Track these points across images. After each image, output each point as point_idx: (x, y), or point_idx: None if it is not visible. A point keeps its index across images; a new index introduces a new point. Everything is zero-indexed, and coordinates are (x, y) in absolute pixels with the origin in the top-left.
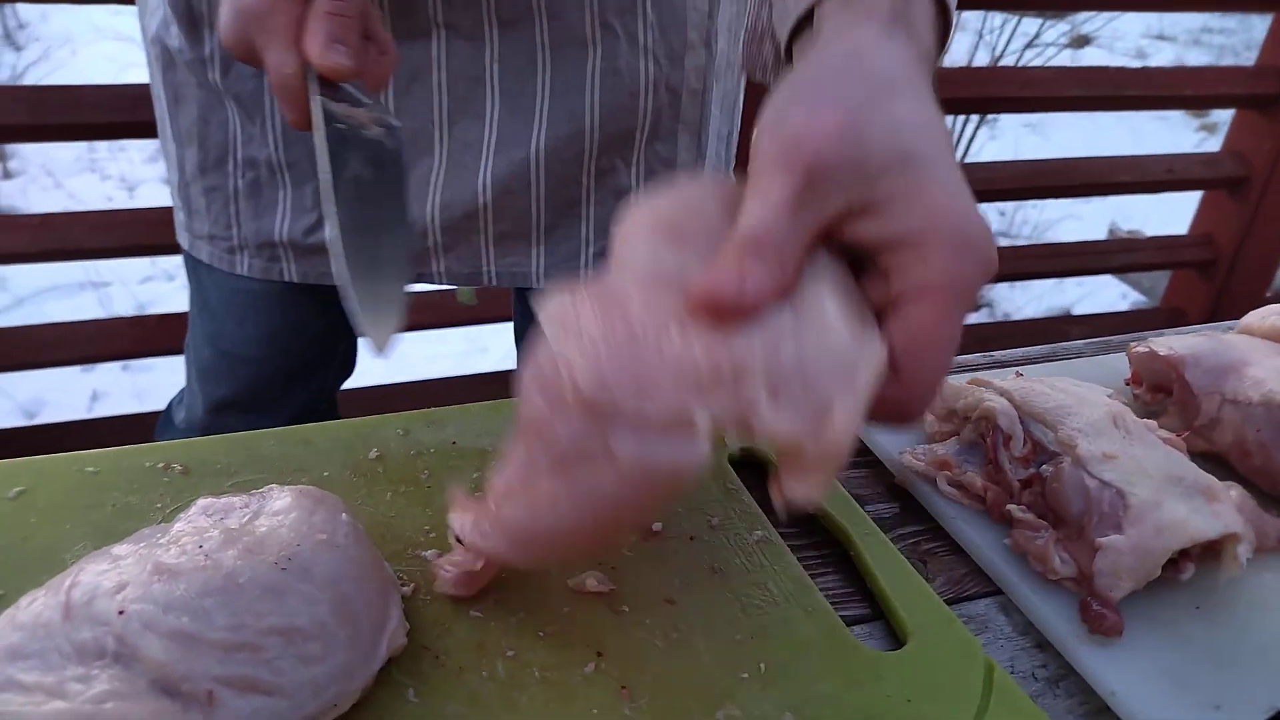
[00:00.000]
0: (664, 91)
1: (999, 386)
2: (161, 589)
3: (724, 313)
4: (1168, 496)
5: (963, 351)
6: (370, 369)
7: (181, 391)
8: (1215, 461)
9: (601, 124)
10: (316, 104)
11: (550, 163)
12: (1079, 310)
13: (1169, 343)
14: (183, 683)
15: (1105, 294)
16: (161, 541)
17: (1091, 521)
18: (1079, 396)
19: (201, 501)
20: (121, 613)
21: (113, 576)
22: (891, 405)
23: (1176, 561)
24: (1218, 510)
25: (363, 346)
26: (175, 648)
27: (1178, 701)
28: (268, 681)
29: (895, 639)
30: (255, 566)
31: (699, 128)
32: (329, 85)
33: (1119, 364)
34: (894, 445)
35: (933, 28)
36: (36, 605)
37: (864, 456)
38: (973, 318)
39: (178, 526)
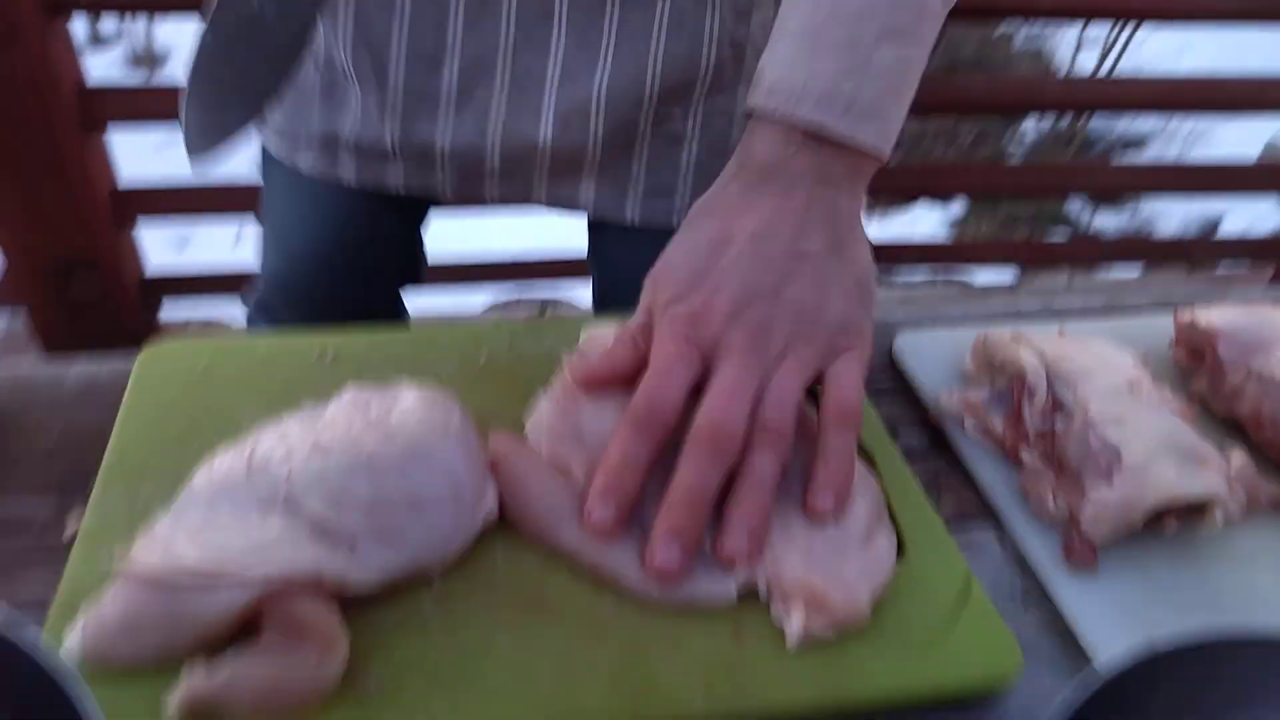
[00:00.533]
0: (728, 46)
1: (1036, 345)
2: (319, 462)
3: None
4: (1161, 459)
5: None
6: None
7: (254, 304)
8: (1236, 428)
9: (664, 72)
10: None
11: (611, 102)
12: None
13: (1211, 314)
14: (333, 532)
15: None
16: (318, 425)
17: (1087, 474)
18: (1104, 361)
19: (348, 395)
20: (288, 477)
21: (281, 448)
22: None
23: (1163, 518)
24: (1205, 476)
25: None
26: (328, 506)
27: (1133, 634)
28: (396, 538)
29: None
30: (389, 451)
31: None
32: None
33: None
34: (933, 384)
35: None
36: (226, 463)
37: (903, 387)
38: (1112, 227)
39: (330, 410)
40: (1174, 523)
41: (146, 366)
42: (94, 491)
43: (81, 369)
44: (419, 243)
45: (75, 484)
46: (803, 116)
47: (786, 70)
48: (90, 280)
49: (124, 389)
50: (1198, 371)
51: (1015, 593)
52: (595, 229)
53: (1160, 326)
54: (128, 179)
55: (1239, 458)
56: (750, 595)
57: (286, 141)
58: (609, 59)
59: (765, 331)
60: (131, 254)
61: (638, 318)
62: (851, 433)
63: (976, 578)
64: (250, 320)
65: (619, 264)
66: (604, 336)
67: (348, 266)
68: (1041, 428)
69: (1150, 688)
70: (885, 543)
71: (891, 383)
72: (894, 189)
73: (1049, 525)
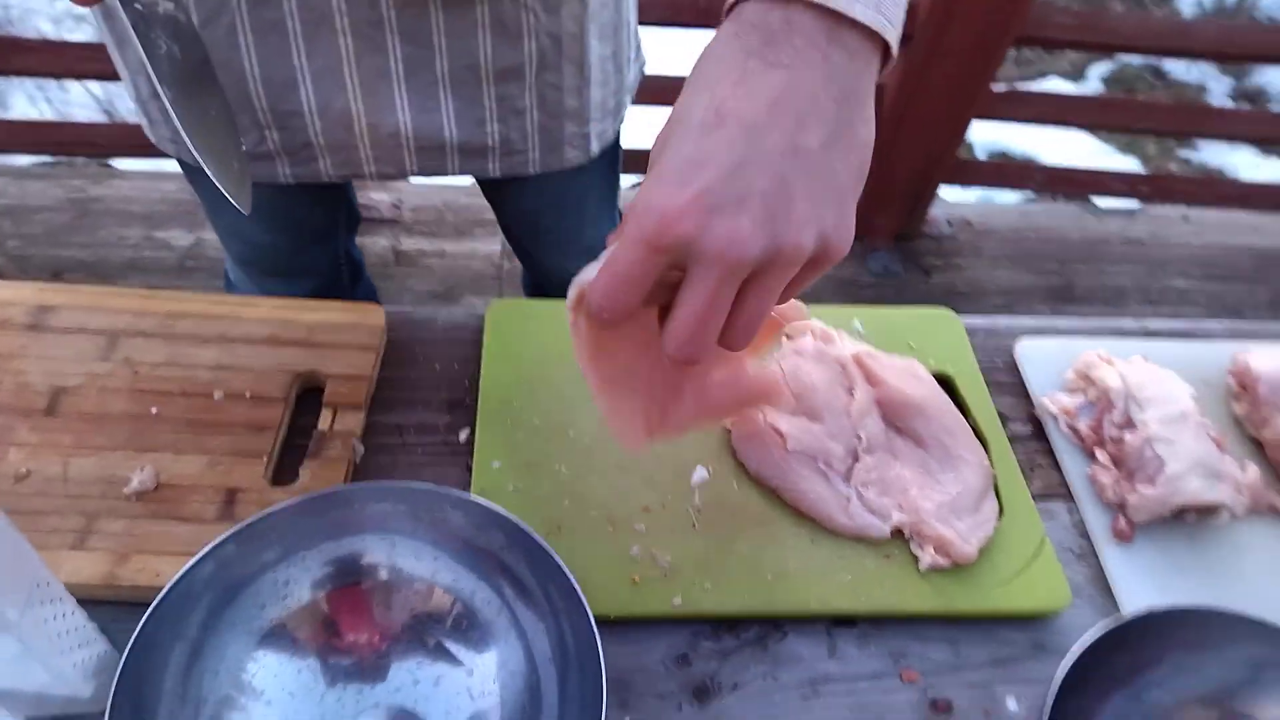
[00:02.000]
0: (545, 37)
1: (1121, 370)
2: None
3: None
4: (1192, 472)
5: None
6: None
7: (229, 264)
8: (1259, 447)
9: (494, 60)
10: None
11: (455, 85)
12: None
13: (1261, 358)
14: None
15: None
16: None
17: (1137, 474)
18: (1169, 392)
19: None
20: None
21: None
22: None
23: (1186, 513)
24: (1221, 488)
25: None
26: None
27: (1151, 592)
28: None
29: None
30: None
31: (581, 60)
32: None
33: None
34: (1041, 387)
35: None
36: None
37: (1019, 388)
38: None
39: None
40: (1194, 516)
41: (496, 316)
42: (479, 413)
43: (446, 313)
44: (352, 201)
45: (458, 400)
46: None
47: None
48: None
49: (478, 330)
50: (1241, 398)
51: (1074, 551)
52: (485, 187)
53: (1226, 353)
54: None
55: (1253, 471)
56: (898, 534)
57: (188, 156)
58: (443, 51)
59: (740, 248)
60: None
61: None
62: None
63: (1048, 538)
64: (234, 284)
65: (506, 207)
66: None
67: (300, 238)
68: (1114, 435)
69: (1153, 635)
70: (991, 506)
71: (1008, 379)
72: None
73: (1106, 506)
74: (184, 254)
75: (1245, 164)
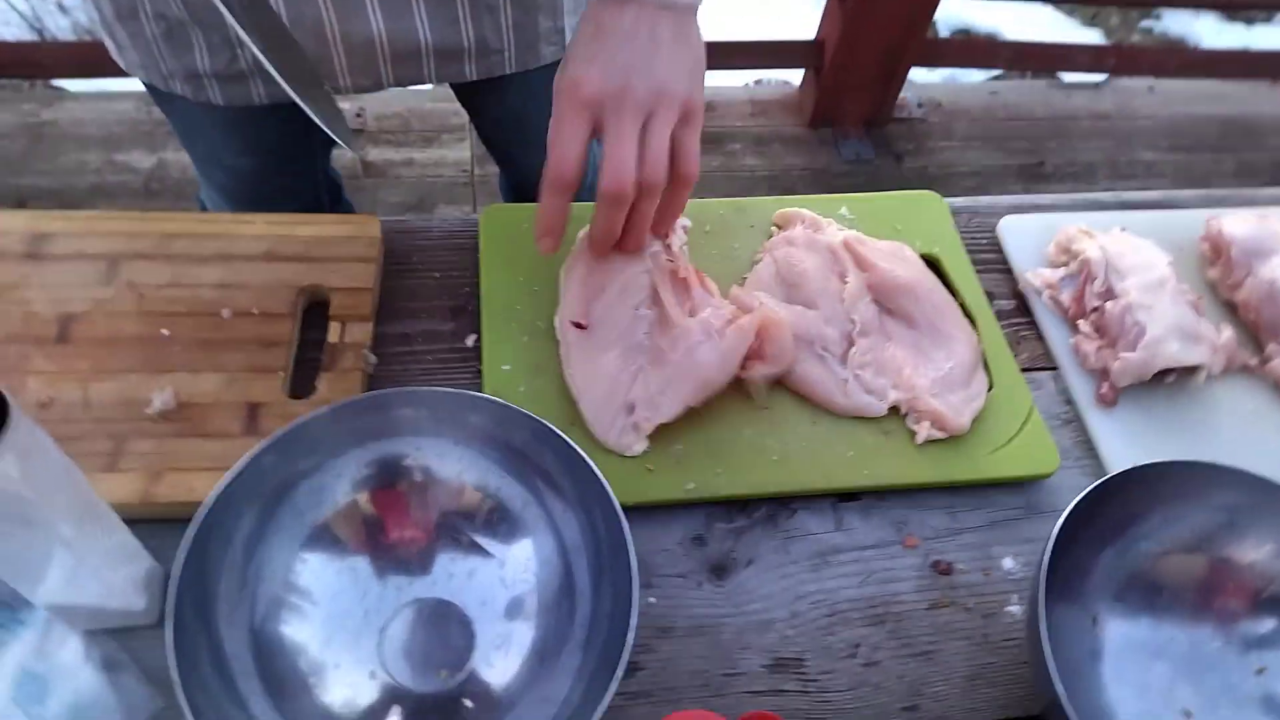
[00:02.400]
0: None
1: (1101, 240)
2: None
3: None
4: (1172, 335)
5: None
6: None
7: (204, 190)
8: (1233, 309)
9: None
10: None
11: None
12: None
13: (1234, 222)
14: None
15: None
16: None
17: (1119, 340)
18: (1148, 260)
19: None
20: None
21: None
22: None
23: (1166, 374)
24: (1198, 350)
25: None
26: None
27: (1136, 452)
28: None
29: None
30: None
31: None
32: None
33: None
34: (1024, 263)
35: None
36: None
37: (1002, 265)
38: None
39: None
40: (1173, 378)
41: (490, 222)
42: (483, 318)
43: (440, 221)
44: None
45: (460, 307)
46: None
47: None
48: None
49: (473, 237)
50: (1215, 263)
51: (1061, 418)
52: (461, 94)
53: (1199, 221)
54: None
55: (1227, 332)
56: (894, 411)
57: (159, 80)
58: None
59: (632, 92)
60: None
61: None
62: (687, 190)
63: (1036, 406)
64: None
65: (484, 112)
66: None
67: (278, 160)
68: (1095, 305)
69: (1137, 491)
70: (981, 380)
71: (992, 257)
72: None
73: (1089, 373)
74: (148, 176)
75: (1208, 31)
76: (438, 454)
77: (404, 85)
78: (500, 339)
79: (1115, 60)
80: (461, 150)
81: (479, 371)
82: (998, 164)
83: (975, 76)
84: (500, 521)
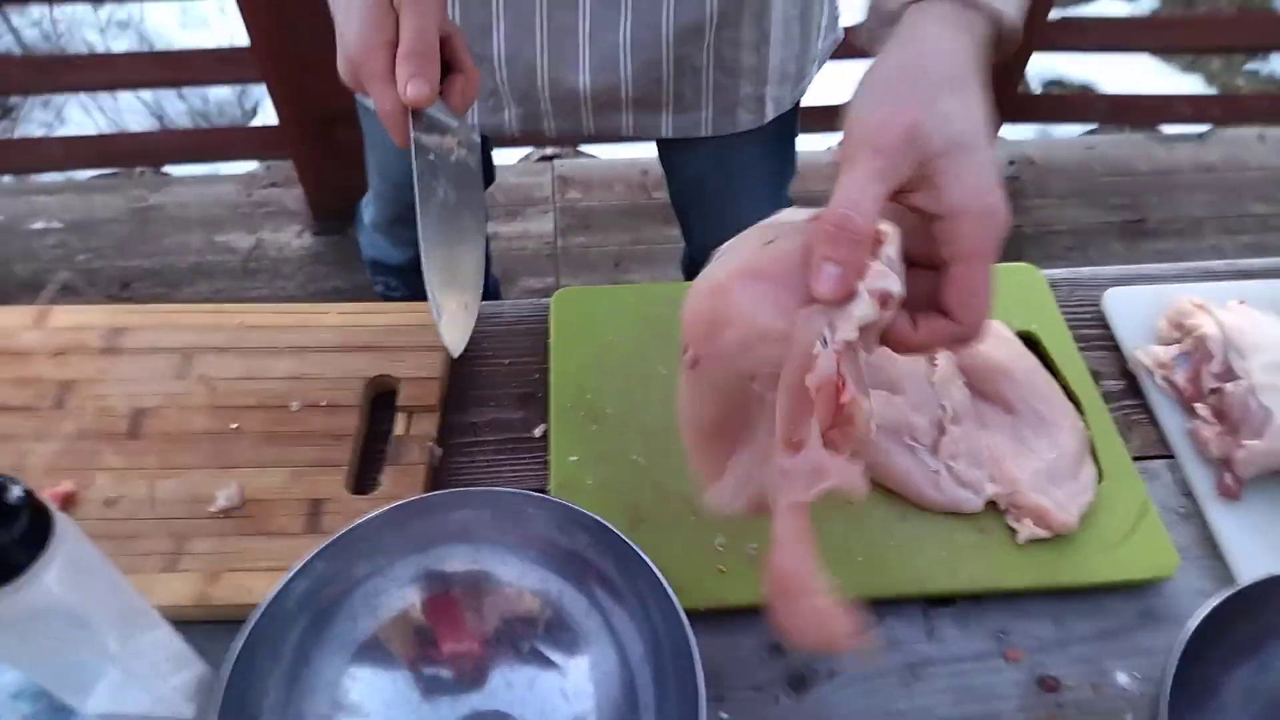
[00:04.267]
0: None
1: (1218, 316)
2: None
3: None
4: None
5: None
6: None
7: (366, 198)
8: None
9: (676, 15)
10: (412, 137)
11: (635, 48)
12: None
13: None
14: None
15: None
16: None
17: (1242, 426)
18: (1271, 337)
19: None
20: None
21: None
22: (953, 338)
23: None
24: None
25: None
26: None
27: (1263, 552)
28: None
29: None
30: None
31: (761, 13)
32: (420, 112)
33: None
34: (1132, 340)
35: (990, 20)
36: None
37: (1108, 342)
38: None
39: None
40: None
41: (561, 305)
42: (551, 407)
43: (511, 305)
44: (490, 164)
45: (529, 395)
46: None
47: None
48: (351, 130)
49: (543, 320)
50: None
51: (1178, 512)
52: (661, 150)
53: None
54: None
55: None
56: (992, 506)
57: None
58: (629, 14)
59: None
60: None
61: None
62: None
63: (1150, 499)
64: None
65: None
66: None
67: None
68: (1214, 387)
69: (1278, 601)
70: (1089, 471)
71: (1096, 333)
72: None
73: (1209, 463)
74: (246, 256)
75: None
76: (495, 558)
77: (603, 138)
78: (568, 428)
79: (1219, 109)
80: (545, 223)
81: (546, 462)
82: (1097, 221)
83: (1070, 131)
84: (561, 629)
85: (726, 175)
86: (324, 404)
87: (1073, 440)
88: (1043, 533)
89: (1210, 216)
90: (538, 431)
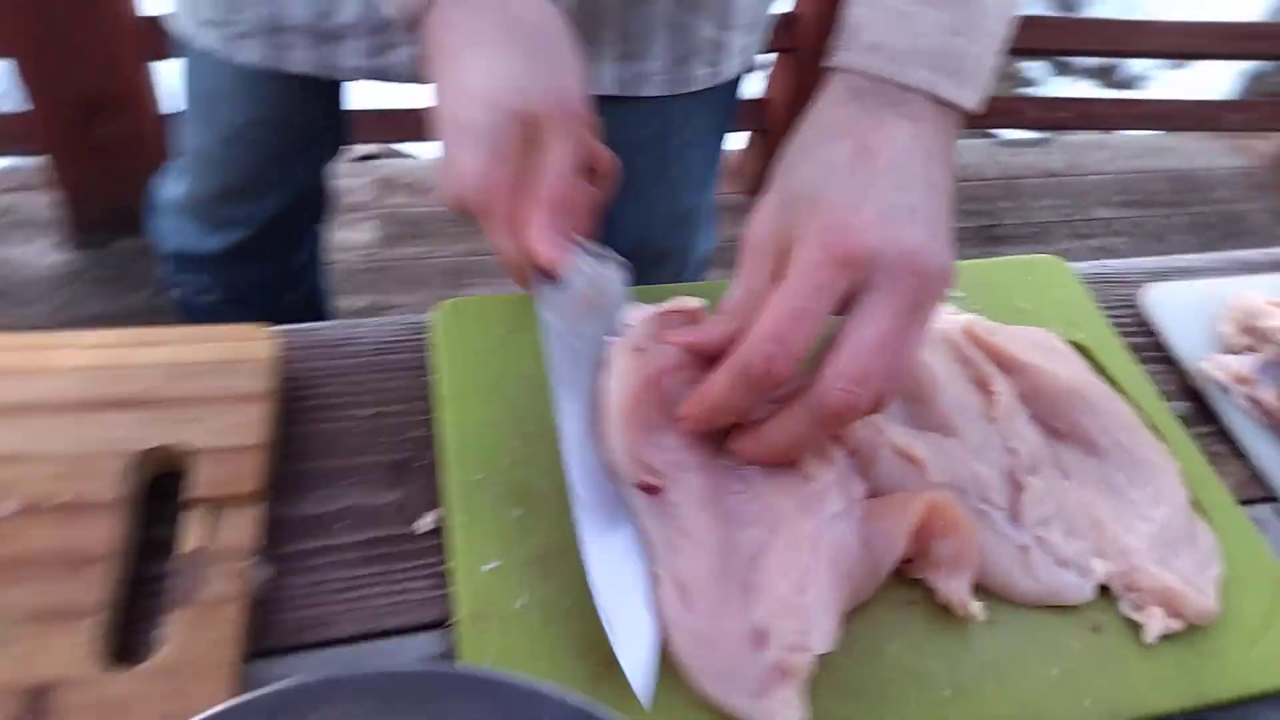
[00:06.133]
0: None
1: None
2: None
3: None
4: None
5: None
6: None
7: (170, 172)
8: None
9: None
10: (542, 299)
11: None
12: None
13: None
14: None
15: None
16: None
17: None
18: None
19: None
20: None
21: None
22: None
23: None
24: None
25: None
26: None
27: None
28: None
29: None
30: None
31: None
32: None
33: None
34: (1193, 350)
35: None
36: None
37: (1160, 355)
38: None
39: None
40: None
41: (448, 324)
42: (448, 482)
43: (372, 326)
44: (341, 119)
45: (405, 462)
46: (912, 81)
47: (891, 25)
48: (117, 121)
49: (418, 348)
50: None
51: None
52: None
53: None
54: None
55: None
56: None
57: (224, 31)
58: None
59: (927, 256)
60: (152, 91)
61: (753, 261)
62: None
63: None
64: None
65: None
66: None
67: (296, 139)
68: None
69: None
70: (1205, 532)
71: (1143, 341)
72: None
73: None
74: None
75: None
76: None
77: None
78: (478, 516)
79: (1070, 113)
80: (365, 232)
81: (445, 575)
82: (953, 227)
83: None
84: None
85: (662, 152)
86: (59, 502)
87: (1178, 488)
88: (1175, 625)
89: (1058, 221)
90: (425, 521)
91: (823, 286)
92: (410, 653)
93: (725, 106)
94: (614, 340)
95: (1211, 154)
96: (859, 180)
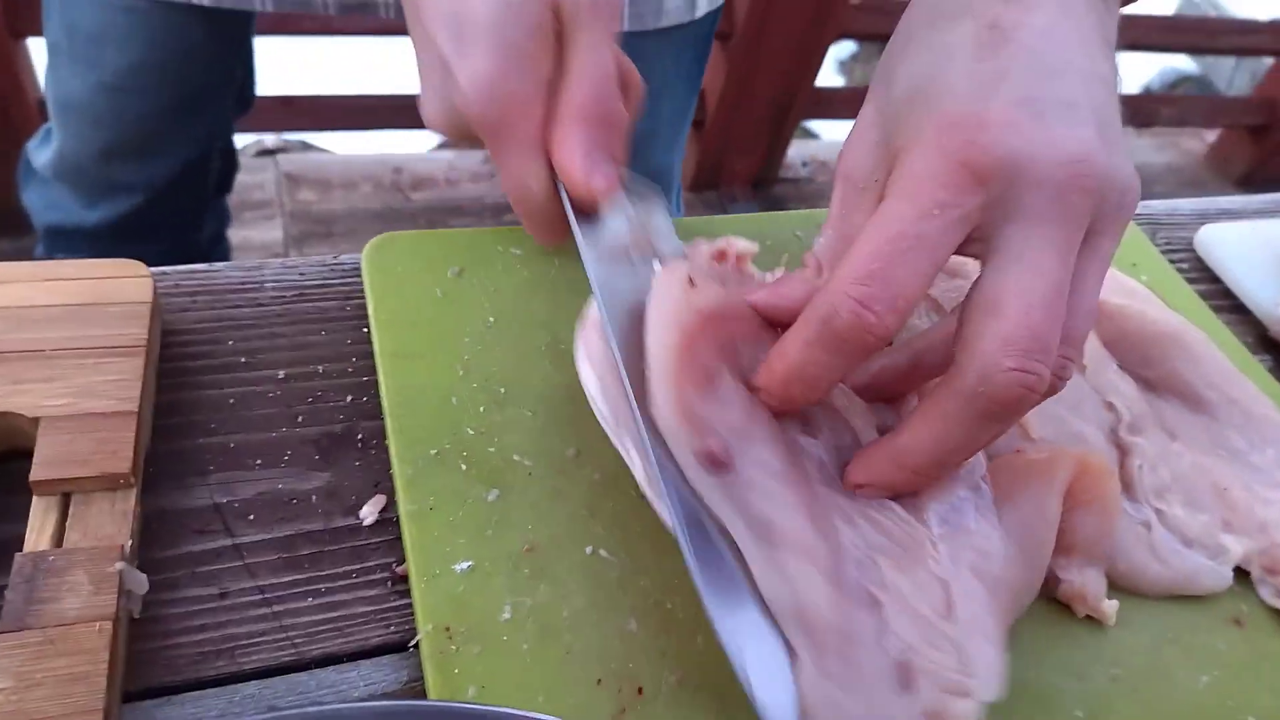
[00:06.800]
0: None
1: None
2: None
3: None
4: None
5: None
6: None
7: (43, 133)
8: None
9: None
10: (578, 231)
11: None
12: None
13: None
14: None
15: None
16: None
17: None
18: None
19: None
20: None
21: None
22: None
23: None
24: None
25: (259, 76)
26: None
27: None
28: None
29: None
30: None
31: None
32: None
33: None
34: (1269, 298)
35: None
36: None
37: (1225, 300)
38: None
39: None
40: None
41: (381, 262)
42: (394, 458)
43: (281, 266)
44: (248, 65)
45: (343, 441)
46: None
47: None
48: None
49: (350, 294)
50: None
51: None
52: None
53: None
54: None
55: None
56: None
57: None
58: None
59: (1089, 162)
60: (27, 69)
61: (847, 196)
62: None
63: None
64: (31, 175)
65: None
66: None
67: (190, 88)
68: None
69: None
70: None
71: (1207, 289)
72: None
73: None
74: None
75: None
76: None
77: None
78: (440, 502)
79: None
80: (271, 230)
81: (397, 582)
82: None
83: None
84: None
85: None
86: None
87: None
88: None
89: None
90: (367, 511)
91: (943, 207)
92: (354, 687)
93: (697, 52)
94: (660, 270)
95: (1141, 151)
96: (989, 67)
